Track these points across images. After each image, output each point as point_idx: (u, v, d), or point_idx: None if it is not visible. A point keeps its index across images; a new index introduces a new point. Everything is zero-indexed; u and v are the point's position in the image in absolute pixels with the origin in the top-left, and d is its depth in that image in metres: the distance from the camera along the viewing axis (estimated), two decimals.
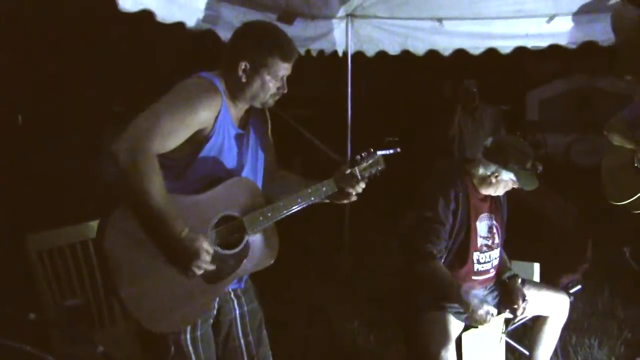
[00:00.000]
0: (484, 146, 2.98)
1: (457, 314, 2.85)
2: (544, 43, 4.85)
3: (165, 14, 3.46)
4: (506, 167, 2.89)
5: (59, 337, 2.65)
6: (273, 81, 2.14)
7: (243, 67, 2.11)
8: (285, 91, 2.19)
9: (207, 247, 1.97)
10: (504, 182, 2.93)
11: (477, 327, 2.83)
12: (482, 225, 2.99)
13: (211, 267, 2.01)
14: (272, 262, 2.23)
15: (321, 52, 4.96)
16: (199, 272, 1.99)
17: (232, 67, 2.12)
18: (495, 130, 5.88)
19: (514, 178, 2.90)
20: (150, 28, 3.62)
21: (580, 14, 4.53)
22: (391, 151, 2.47)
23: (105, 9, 3.16)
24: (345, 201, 2.36)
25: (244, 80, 2.12)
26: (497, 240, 3.06)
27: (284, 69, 2.15)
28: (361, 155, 2.36)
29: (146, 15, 3.35)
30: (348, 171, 2.30)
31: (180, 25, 3.62)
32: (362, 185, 2.32)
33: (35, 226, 2.83)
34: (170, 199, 1.94)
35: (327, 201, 2.36)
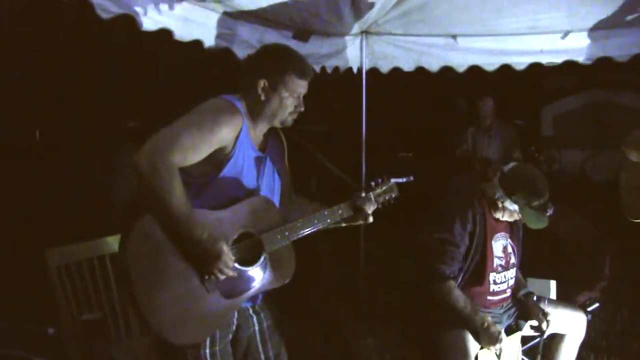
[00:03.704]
0: (502, 168, 2.96)
1: None
2: (559, 59, 4.84)
3: (184, 32, 3.52)
4: (510, 197, 2.85)
5: (76, 351, 2.67)
6: (291, 99, 2.21)
7: (262, 85, 2.18)
8: (303, 109, 2.26)
9: (227, 251, 2.01)
10: (509, 210, 2.90)
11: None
12: (497, 245, 2.97)
13: (232, 274, 2.04)
14: (287, 280, 2.26)
15: (336, 69, 4.99)
16: (222, 276, 2.02)
17: (251, 87, 2.19)
18: (509, 147, 5.88)
19: (517, 211, 2.87)
20: (167, 44, 3.67)
21: (595, 29, 4.53)
22: (405, 179, 2.54)
23: (121, 25, 3.22)
24: (361, 222, 2.42)
25: (263, 98, 2.19)
26: (512, 260, 3.03)
27: (301, 86, 2.23)
28: (376, 182, 2.47)
29: (163, 33, 3.40)
30: (363, 195, 2.38)
31: (195, 42, 3.67)
32: (374, 207, 2.41)
33: (53, 241, 2.86)
34: (191, 210, 1.99)
35: (344, 225, 2.44)
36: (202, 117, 2.07)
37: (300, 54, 2.30)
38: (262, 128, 2.27)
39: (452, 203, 2.97)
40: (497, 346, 2.68)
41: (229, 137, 2.09)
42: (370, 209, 2.39)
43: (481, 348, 2.83)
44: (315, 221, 2.27)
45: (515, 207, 2.85)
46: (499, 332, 2.71)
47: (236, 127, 2.11)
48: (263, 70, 2.20)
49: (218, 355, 2.13)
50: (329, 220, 2.32)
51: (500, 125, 6.00)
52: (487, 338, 2.71)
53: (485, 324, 2.72)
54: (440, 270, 2.81)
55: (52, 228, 5.53)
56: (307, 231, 2.26)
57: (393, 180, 2.49)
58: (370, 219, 2.40)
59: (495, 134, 5.92)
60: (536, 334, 3.00)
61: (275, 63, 2.21)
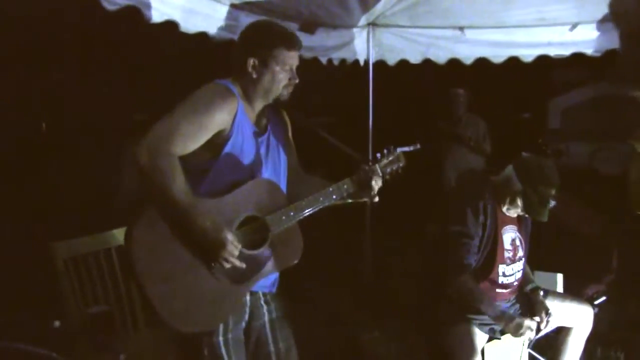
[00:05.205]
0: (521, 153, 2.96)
1: (481, 326, 2.82)
2: (566, 51, 4.81)
3: (189, 24, 3.51)
4: (518, 174, 2.86)
5: (82, 344, 2.68)
6: (283, 72, 2.20)
7: (252, 63, 2.18)
8: (297, 81, 2.25)
9: (232, 239, 2.00)
10: (513, 193, 2.89)
11: (500, 339, 2.79)
12: (506, 237, 2.96)
13: (239, 263, 2.03)
14: (296, 261, 2.24)
15: (343, 61, 4.98)
16: (228, 265, 2.01)
17: (242, 67, 2.19)
18: (479, 140, 5.85)
19: (520, 192, 2.86)
20: (173, 36, 3.66)
21: (603, 21, 4.49)
22: (411, 148, 2.49)
23: (125, 18, 3.22)
24: (366, 199, 2.35)
25: (255, 76, 2.19)
26: (520, 253, 3.02)
27: (291, 57, 2.22)
28: (382, 153, 2.40)
29: (168, 25, 3.39)
30: (368, 168, 2.32)
31: (198, 33, 3.65)
32: (382, 181, 2.34)
33: (59, 234, 2.86)
34: (193, 199, 1.98)
35: (350, 200, 2.37)
36: (198, 104, 2.07)
37: (284, 26, 2.29)
38: (259, 106, 2.25)
39: (463, 195, 2.96)
40: (529, 334, 2.67)
41: (226, 119, 2.09)
42: (377, 181, 2.31)
43: (489, 340, 2.83)
44: (321, 199, 2.23)
45: (519, 187, 2.84)
46: (523, 323, 2.69)
47: (232, 109, 2.11)
48: (250, 48, 2.19)
49: (230, 342, 2.13)
50: (334, 197, 2.27)
51: (470, 118, 5.98)
52: (514, 329, 2.70)
53: (509, 316, 2.72)
54: (460, 263, 2.80)
55: (59, 221, 5.55)
56: (312, 210, 2.22)
57: (399, 149, 2.43)
58: (377, 198, 2.34)
59: (464, 126, 5.89)
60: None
61: (262, 39, 2.20)
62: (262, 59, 2.18)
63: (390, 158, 2.39)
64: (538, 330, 2.93)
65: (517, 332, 2.70)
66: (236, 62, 2.22)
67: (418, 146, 2.51)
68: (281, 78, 2.20)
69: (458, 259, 2.80)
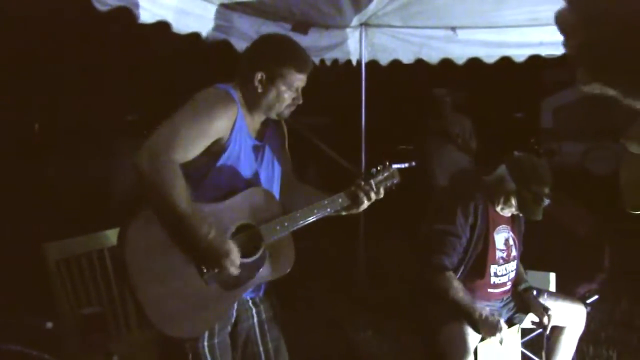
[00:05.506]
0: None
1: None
2: (558, 51, 4.82)
3: (181, 25, 3.50)
4: (512, 173, 2.87)
5: (75, 345, 2.67)
6: (288, 92, 2.18)
7: (259, 77, 2.15)
8: (300, 102, 2.23)
9: (235, 249, 1.99)
10: (507, 193, 2.90)
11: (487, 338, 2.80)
12: (499, 237, 2.97)
13: (237, 272, 2.02)
14: (288, 270, 2.24)
15: (335, 61, 4.98)
16: (233, 272, 1.99)
17: (249, 78, 2.16)
18: (465, 142, 5.87)
19: (514, 192, 2.87)
20: (164, 37, 3.66)
21: None
22: (406, 165, 2.50)
23: (117, 19, 3.21)
24: (355, 211, 2.37)
25: (260, 90, 2.16)
26: (513, 253, 3.03)
27: (299, 80, 2.20)
28: (377, 169, 2.40)
29: (160, 26, 3.39)
30: (363, 184, 2.32)
31: (191, 33, 3.65)
32: (378, 196, 2.35)
33: (52, 234, 2.85)
34: (193, 207, 1.97)
35: (344, 213, 2.39)
36: (198, 110, 2.05)
37: (300, 46, 2.26)
38: (260, 117, 2.24)
39: (454, 195, 2.97)
40: (498, 335, 2.68)
41: (225, 126, 2.08)
42: (371, 197, 2.33)
43: (482, 339, 2.84)
44: (315, 211, 2.24)
45: (512, 186, 2.85)
46: (498, 321, 2.72)
47: (231, 117, 2.09)
48: (261, 62, 2.16)
49: (216, 347, 2.12)
50: (328, 210, 2.28)
51: (456, 117, 6.00)
52: (487, 328, 2.71)
53: (484, 315, 2.73)
54: (441, 261, 2.82)
55: (51, 221, 5.53)
56: (306, 221, 2.22)
57: (394, 166, 2.43)
58: (364, 206, 2.35)
59: (452, 125, 5.91)
60: (537, 328, 3.00)
61: (274, 55, 2.17)
62: (270, 76, 2.15)
63: (386, 174, 2.39)
64: (544, 326, 2.94)
65: (487, 327, 2.70)
66: (243, 72, 2.19)
67: (413, 163, 2.52)
68: (285, 98, 2.18)
69: (442, 255, 2.82)
